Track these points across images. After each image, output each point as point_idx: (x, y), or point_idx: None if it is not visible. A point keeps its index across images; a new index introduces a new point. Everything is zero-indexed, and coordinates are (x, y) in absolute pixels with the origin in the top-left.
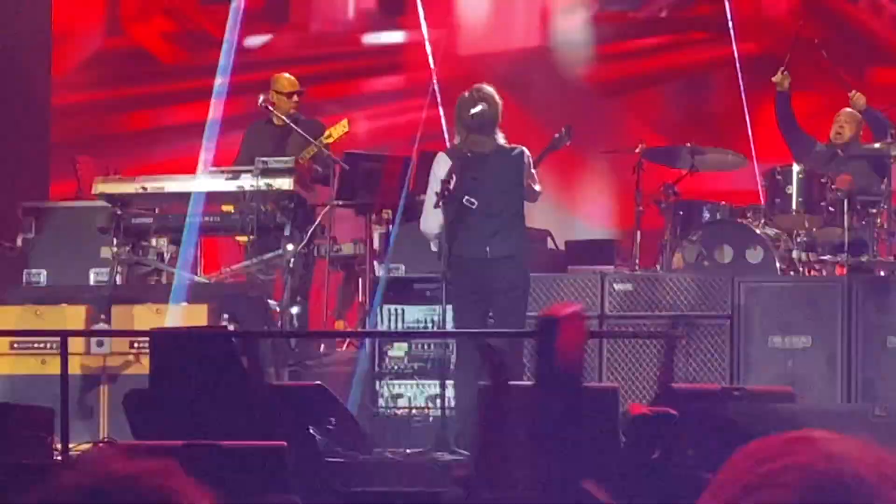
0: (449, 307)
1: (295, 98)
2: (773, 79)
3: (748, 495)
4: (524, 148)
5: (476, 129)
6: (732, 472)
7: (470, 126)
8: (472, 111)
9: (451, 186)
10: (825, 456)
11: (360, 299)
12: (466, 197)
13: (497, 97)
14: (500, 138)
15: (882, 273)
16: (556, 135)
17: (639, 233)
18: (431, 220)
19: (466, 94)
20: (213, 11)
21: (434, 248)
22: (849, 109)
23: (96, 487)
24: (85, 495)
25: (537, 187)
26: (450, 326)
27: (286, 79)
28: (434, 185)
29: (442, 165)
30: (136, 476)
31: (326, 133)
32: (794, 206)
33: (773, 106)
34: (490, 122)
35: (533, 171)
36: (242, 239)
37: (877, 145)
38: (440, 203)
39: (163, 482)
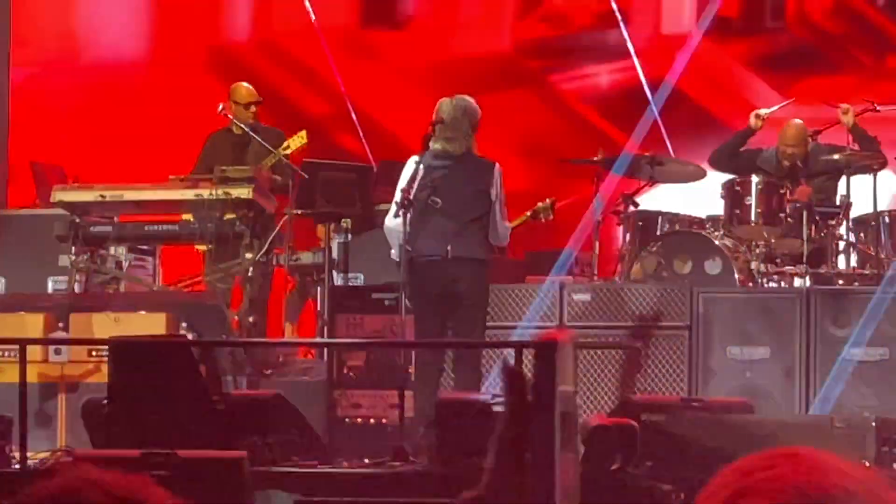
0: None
1: (253, 108)
2: (756, 115)
3: (735, 501)
4: (497, 163)
5: (449, 130)
6: (717, 485)
7: (442, 128)
8: (443, 114)
9: (412, 195)
10: (811, 469)
11: (318, 308)
12: (431, 197)
13: (472, 105)
14: (473, 147)
15: (840, 284)
16: (540, 204)
17: (597, 243)
18: (393, 223)
19: (445, 98)
20: None
21: (395, 256)
22: (797, 122)
23: (69, 494)
24: (58, 501)
25: (505, 223)
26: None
27: (244, 89)
28: (399, 189)
29: (408, 169)
30: (110, 484)
31: (285, 144)
32: (752, 217)
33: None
34: (460, 127)
35: (503, 197)
36: (201, 247)
37: (835, 156)
38: (399, 212)
39: (137, 492)
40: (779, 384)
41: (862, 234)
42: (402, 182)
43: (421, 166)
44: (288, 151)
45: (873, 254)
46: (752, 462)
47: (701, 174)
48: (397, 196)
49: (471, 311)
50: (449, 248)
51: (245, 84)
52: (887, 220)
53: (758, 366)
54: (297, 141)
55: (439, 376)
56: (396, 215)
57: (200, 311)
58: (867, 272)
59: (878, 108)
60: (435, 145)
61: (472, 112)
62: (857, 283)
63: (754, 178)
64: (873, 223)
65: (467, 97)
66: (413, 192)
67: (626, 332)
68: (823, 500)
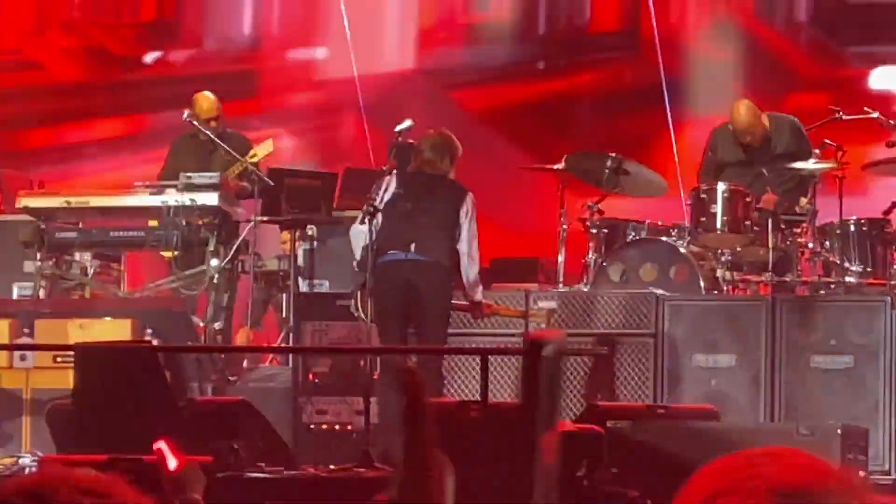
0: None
1: (213, 123)
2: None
3: (714, 501)
4: (471, 193)
5: (430, 155)
6: (695, 485)
7: (420, 155)
8: (427, 145)
9: (377, 203)
10: (788, 468)
11: (283, 315)
12: (401, 201)
13: (455, 141)
14: (450, 175)
15: (806, 292)
16: (535, 309)
17: (563, 251)
18: (359, 229)
19: (430, 131)
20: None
21: (356, 264)
22: (745, 107)
23: (40, 490)
24: (27, 497)
25: (475, 268)
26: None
27: (205, 102)
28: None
29: (381, 181)
30: (81, 481)
31: (251, 152)
32: (718, 225)
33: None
34: (442, 159)
35: (474, 229)
36: (167, 254)
37: (800, 164)
38: (365, 219)
39: (107, 489)
40: (744, 392)
41: (827, 243)
42: (373, 191)
43: (393, 178)
44: (254, 160)
45: (839, 262)
46: (729, 462)
47: (664, 189)
48: (365, 204)
49: (431, 315)
50: (412, 246)
51: (208, 96)
52: (853, 228)
53: (723, 373)
54: (264, 149)
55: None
56: (362, 222)
57: (166, 317)
58: (833, 280)
59: (842, 115)
60: (412, 168)
61: (454, 147)
62: (822, 292)
63: (720, 186)
64: (839, 231)
65: (448, 133)
66: (381, 200)
67: (592, 339)
68: (801, 499)
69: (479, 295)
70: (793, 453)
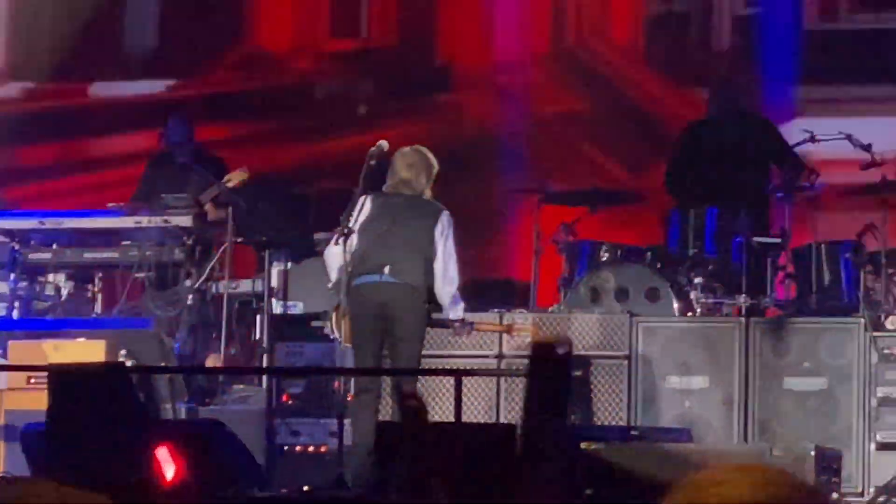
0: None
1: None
2: None
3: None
4: (446, 210)
5: (406, 174)
6: (670, 501)
7: (396, 175)
8: (403, 163)
9: (353, 224)
10: (761, 484)
11: (258, 336)
12: (375, 223)
13: (432, 158)
14: (427, 193)
15: (779, 315)
16: (518, 323)
17: (536, 271)
18: (333, 250)
19: (405, 147)
20: None
21: (330, 285)
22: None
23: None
24: None
25: (451, 288)
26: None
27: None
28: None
29: (356, 202)
30: (73, 500)
31: (227, 178)
32: (691, 248)
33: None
34: (418, 177)
35: (450, 247)
36: (141, 275)
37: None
38: (339, 240)
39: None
40: (718, 413)
41: (801, 265)
42: (347, 212)
43: (368, 199)
44: (230, 184)
45: (812, 284)
46: (704, 478)
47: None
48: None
49: (405, 338)
50: (386, 269)
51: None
52: (826, 250)
53: (697, 395)
54: (239, 175)
55: (377, 402)
56: (336, 243)
57: (139, 338)
58: (806, 302)
59: (816, 137)
60: (388, 188)
61: (430, 164)
62: (796, 314)
63: (693, 210)
64: (813, 253)
65: (424, 148)
66: (356, 221)
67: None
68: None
69: (457, 313)
70: (766, 469)
